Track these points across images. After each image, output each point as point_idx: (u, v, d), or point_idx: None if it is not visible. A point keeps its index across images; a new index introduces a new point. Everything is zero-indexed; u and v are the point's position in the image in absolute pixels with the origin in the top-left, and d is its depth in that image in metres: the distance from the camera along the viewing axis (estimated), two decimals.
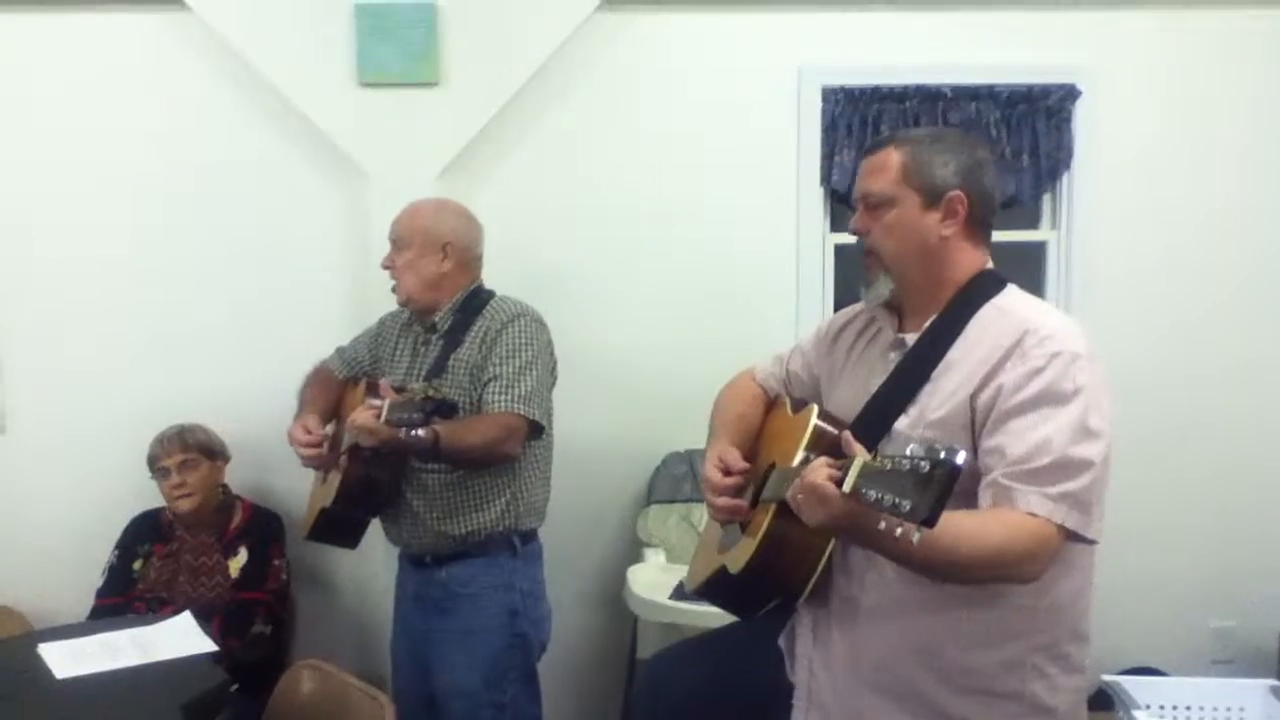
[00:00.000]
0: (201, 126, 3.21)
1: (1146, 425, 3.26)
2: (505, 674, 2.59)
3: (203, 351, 3.25)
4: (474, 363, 2.54)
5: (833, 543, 1.74)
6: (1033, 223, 3.45)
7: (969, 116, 3.26)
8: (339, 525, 2.67)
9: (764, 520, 1.71)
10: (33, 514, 3.26)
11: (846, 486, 1.40)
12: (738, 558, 1.76)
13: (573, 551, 3.31)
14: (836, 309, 3.20)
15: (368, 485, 2.53)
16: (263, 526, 3.06)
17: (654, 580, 2.84)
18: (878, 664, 1.75)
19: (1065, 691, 1.72)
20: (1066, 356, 1.62)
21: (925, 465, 1.31)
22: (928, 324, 1.76)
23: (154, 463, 2.99)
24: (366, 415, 2.30)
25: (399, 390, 2.35)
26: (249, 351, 3.23)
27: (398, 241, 2.62)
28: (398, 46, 3.08)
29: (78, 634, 2.43)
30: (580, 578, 3.37)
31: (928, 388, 1.71)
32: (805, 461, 1.60)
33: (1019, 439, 1.59)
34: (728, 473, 1.88)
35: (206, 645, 2.41)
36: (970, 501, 1.62)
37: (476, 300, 2.64)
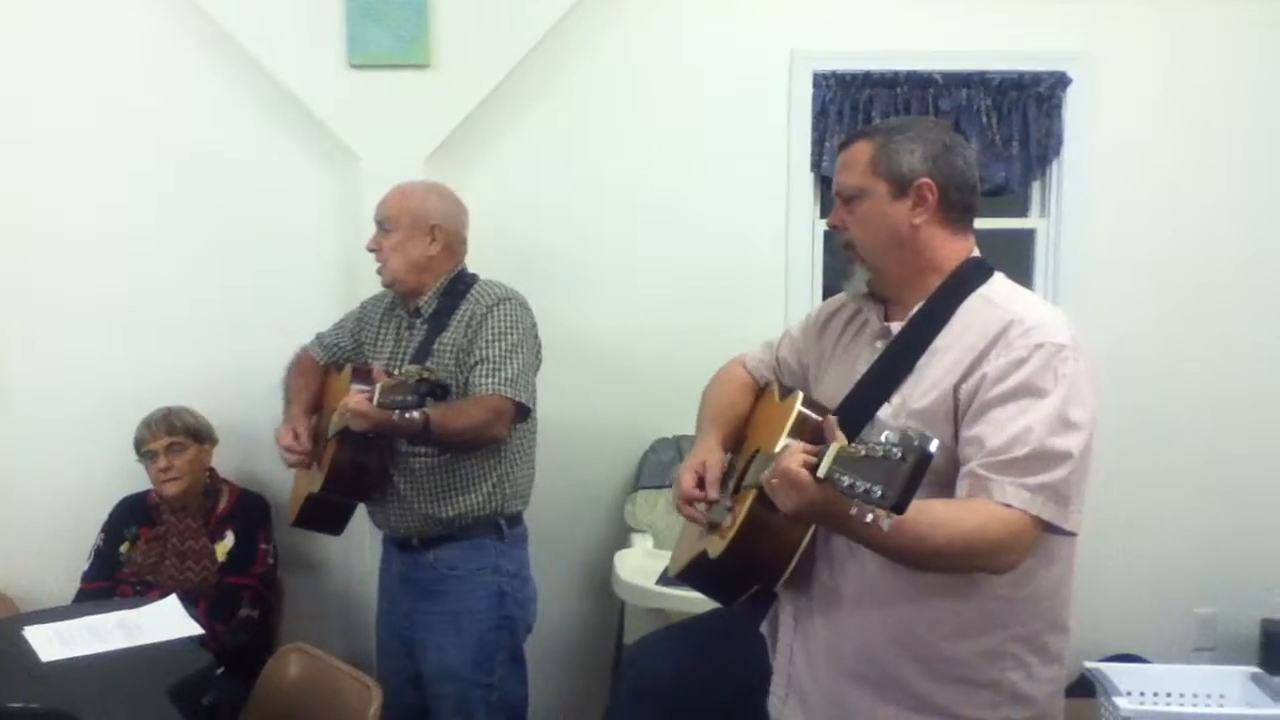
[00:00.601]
0: (192, 108, 3.19)
1: (1132, 413, 3.28)
2: (493, 655, 2.61)
3: (193, 334, 3.23)
4: (459, 346, 2.54)
5: (812, 531, 1.74)
6: (1022, 210, 3.45)
7: (960, 103, 3.26)
8: (326, 511, 2.68)
9: (744, 507, 1.72)
10: (19, 496, 3.25)
11: (821, 472, 1.41)
12: (717, 543, 1.77)
13: (561, 536, 3.31)
14: (826, 294, 3.22)
15: (356, 470, 2.52)
16: (250, 510, 3.05)
17: (641, 565, 2.85)
18: (858, 652, 1.75)
19: (1043, 681, 1.73)
20: (1050, 348, 1.62)
21: (898, 452, 1.32)
22: (913, 313, 1.76)
23: (141, 445, 2.98)
24: (358, 399, 2.30)
25: (390, 374, 2.34)
26: (239, 334, 3.21)
27: (385, 223, 2.62)
28: (388, 28, 3.07)
29: (63, 616, 2.43)
30: (568, 563, 3.38)
31: (911, 377, 1.71)
32: (787, 448, 1.61)
33: (998, 429, 1.59)
34: (701, 485, 1.87)
35: (193, 628, 2.42)
36: (952, 491, 1.62)
37: (460, 284, 2.64)
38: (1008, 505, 1.56)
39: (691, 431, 2.09)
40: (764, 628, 1.94)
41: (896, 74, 3.24)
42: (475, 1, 3.11)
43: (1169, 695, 2.56)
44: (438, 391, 2.26)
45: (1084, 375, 1.63)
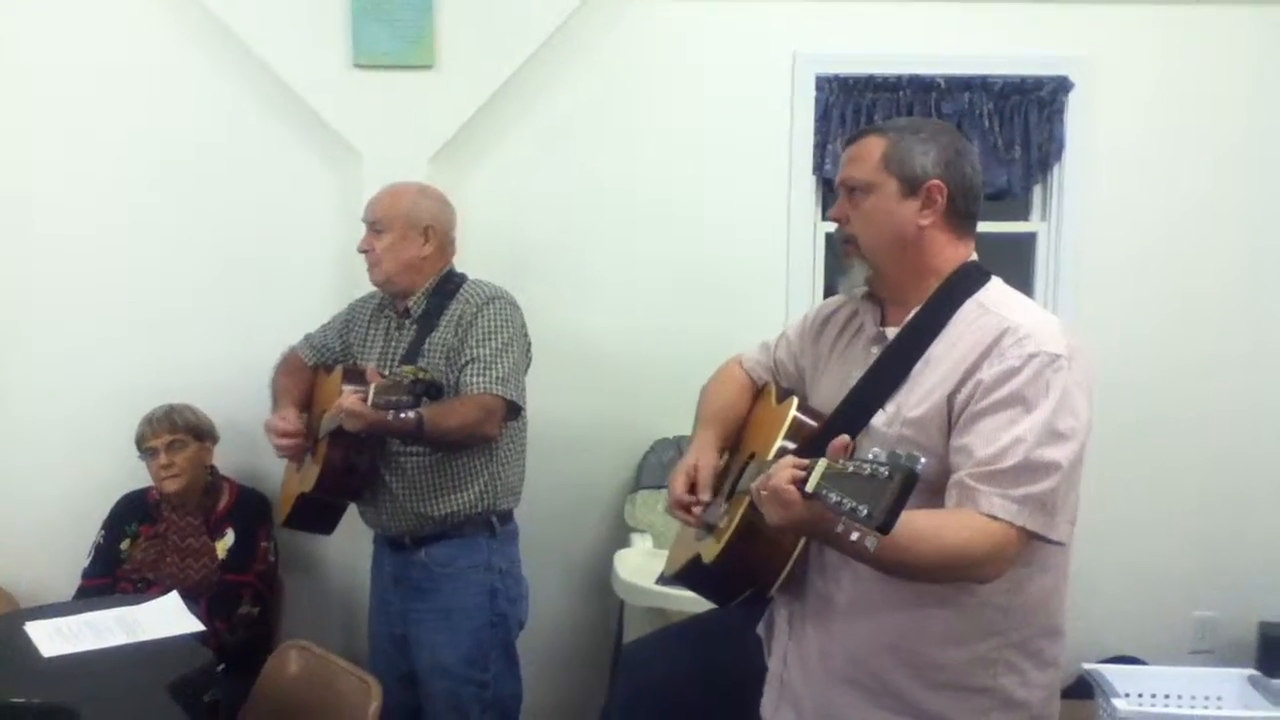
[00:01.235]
0: (196, 106, 3.20)
1: (1131, 416, 3.29)
2: (486, 652, 2.62)
3: (195, 332, 3.24)
4: (450, 346, 2.56)
5: (804, 540, 1.74)
6: (1023, 214, 3.46)
7: (962, 107, 3.27)
8: (317, 511, 2.70)
9: (738, 512, 1.72)
10: (20, 492, 3.26)
11: (809, 488, 1.41)
12: (711, 548, 1.77)
13: (560, 536, 3.32)
14: (826, 297, 3.22)
15: (348, 470, 2.54)
16: (250, 508, 3.06)
17: (641, 565, 2.85)
18: (851, 659, 1.75)
19: (1037, 687, 1.72)
20: (1043, 358, 1.61)
21: (885, 471, 1.32)
22: (909, 318, 1.76)
23: (142, 442, 2.98)
24: (353, 399, 2.31)
25: (384, 375, 2.35)
26: (240, 332, 3.21)
27: (376, 224, 2.63)
28: (393, 29, 3.08)
29: (64, 613, 2.42)
30: (568, 562, 3.38)
31: (906, 384, 1.71)
32: (781, 453, 1.62)
33: (986, 440, 1.59)
34: (693, 489, 1.88)
35: (193, 625, 2.41)
36: (943, 499, 1.62)
37: (450, 284, 2.65)
38: (993, 516, 1.55)
39: (690, 431, 2.10)
40: (760, 629, 1.94)
41: (899, 78, 3.25)
42: (480, 3, 3.12)
43: (1166, 697, 2.56)
44: (432, 391, 2.27)
45: (1077, 384, 1.62)
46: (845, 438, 1.50)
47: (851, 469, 1.36)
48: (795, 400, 1.82)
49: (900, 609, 1.70)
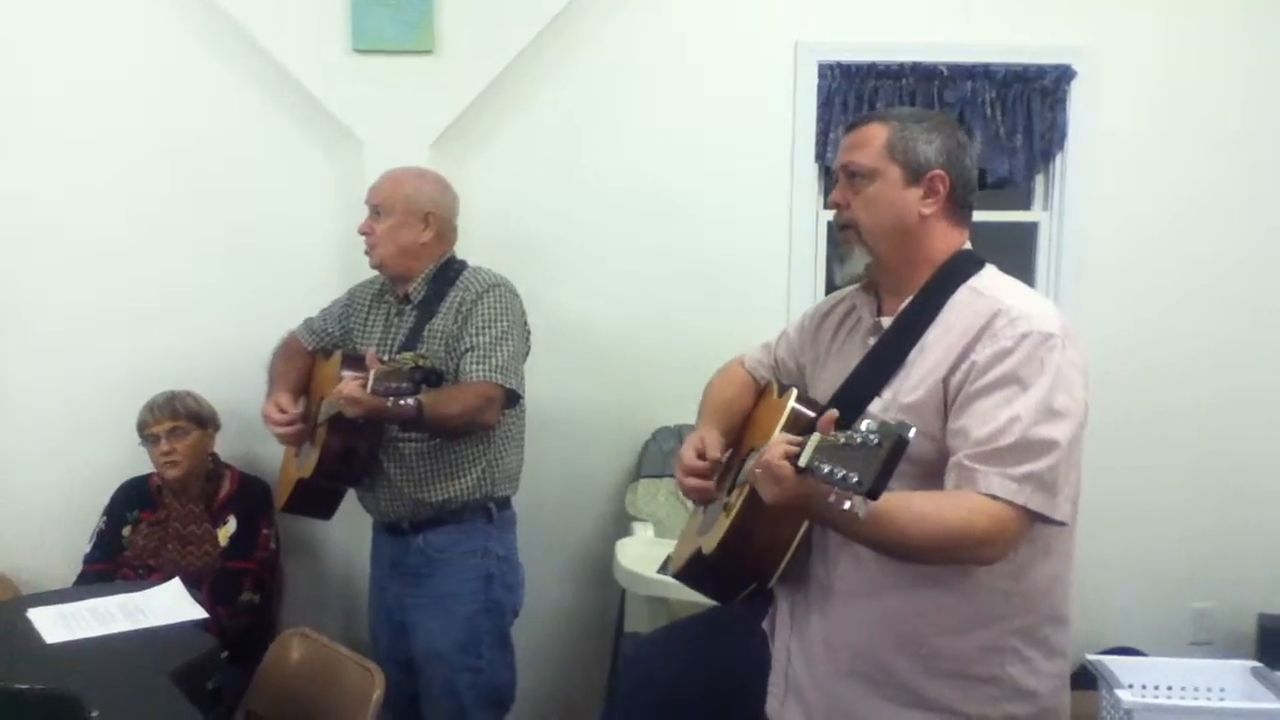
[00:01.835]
0: (195, 93, 3.18)
1: (1131, 406, 3.29)
2: (480, 639, 2.63)
3: (195, 318, 3.22)
4: (449, 333, 2.55)
5: (805, 527, 1.74)
6: (1024, 204, 3.45)
7: (964, 95, 3.26)
8: (316, 496, 2.70)
9: (737, 503, 1.72)
10: (20, 479, 3.24)
11: (802, 462, 1.42)
12: (711, 539, 1.77)
13: (561, 525, 3.32)
14: (828, 286, 3.22)
15: (347, 456, 2.54)
16: (251, 495, 3.05)
17: (642, 554, 2.84)
18: (854, 650, 1.75)
19: (1046, 675, 1.72)
20: (1036, 337, 1.61)
21: (875, 439, 1.33)
22: (903, 306, 1.77)
23: (143, 429, 2.97)
24: (353, 385, 2.30)
25: (384, 361, 2.34)
26: (242, 319, 3.20)
27: (378, 208, 2.63)
28: (393, 14, 3.06)
29: (67, 599, 2.42)
30: (569, 551, 3.38)
31: (902, 371, 1.71)
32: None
33: (983, 420, 1.59)
34: (702, 456, 1.88)
35: (196, 612, 2.42)
36: (942, 483, 1.63)
37: (449, 271, 2.65)
38: (993, 496, 1.55)
39: (692, 420, 2.09)
40: (765, 624, 1.93)
41: (901, 66, 3.24)
42: None
43: (1169, 689, 2.55)
44: (432, 378, 2.26)
45: (1072, 363, 1.63)
46: (834, 412, 1.52)
47: (843, 440, 1.37)
48: (794, 392, 1.83)
49: (902, 596, 1.70)
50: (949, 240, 1.78)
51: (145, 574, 2.87)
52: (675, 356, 3.20)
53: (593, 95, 3.27)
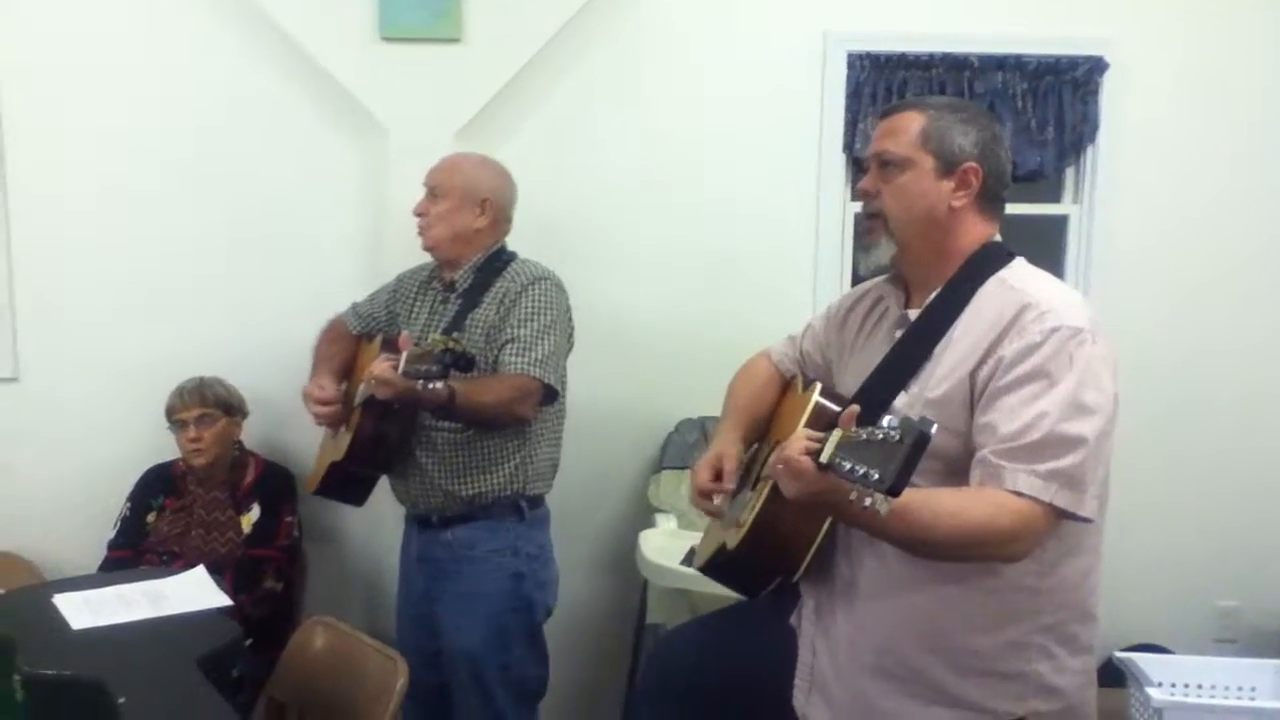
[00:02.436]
0: (222, 81, 3.17)
1: (1160, 401, 3.26)
2: (510, 637, 2.61)
3: (220, 306, 3.22)
4: (491, 323, 2.53)
5: (829, 523, 1.73)
6: (1055, 196, 3.41)
7: (995, 86, 3.22)
8: (348, 481, 2.68)
9: (760, 498, 1.71)
10: (44, 464, 3.25)
11: (823, 458, 1.41)
12: (735, 534, 1.77)
13: (584, 516, 3.31)
14: (854, 278, 3.20)
15: (379, 441, 2.52)
16: (275, 483, 3.05)
17: (664, 546, 2.83)
18: (879, 647, 1.74)
19: (1072, 672, 1.71)
20: (1065, 332, 1.60)
21: (896, 435, 1.32)
22: (930, 298, 1.75)
23: (172, 414, 2.98)
24: (384, 367, 2.28)
25: (417, 343, 2.31)
26: (266, 306, 3.20)
27: (435, 190, 2.61)
28: (420, 2, 3.04)
29: (92, 585, 2.43)
30: (591, 542, 3.37)
31: (928, 365, 1.70)
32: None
33: (1010, 415, 1.57)
34: (719, 475, 1.87)
35: (220, 599, 2.41)
36: (966, 480, 1.61)
37: (498, 261, 2.63)
38: (1019, 493, 1.54)
39: (716, 412, 2.09)
40: (793, 620, 1.92)
41: (931, 56, 3.21)
42: None
43: (1199, 687, 2.53)
44: (462, 363, 2.21)
45: (1101, 359, 1.61)
46: (855, 407, 1.50)
47: (865, 436, 1.36)
48: (818, 386, 1.82)
49: (927, 593, 1.69)
50: (979, 232, 1.76)
51: (169, 560, 2.87)
52: (698, 348, 3.19)
53: (619, 84, 3.24)
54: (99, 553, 2.98)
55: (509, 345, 2.48)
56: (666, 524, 3.08)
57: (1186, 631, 3.42)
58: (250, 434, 3.13)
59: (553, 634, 2.78)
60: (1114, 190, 3.32)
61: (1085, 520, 1.60)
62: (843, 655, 1.79)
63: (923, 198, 1.73)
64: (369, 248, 3.14)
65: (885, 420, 1.35)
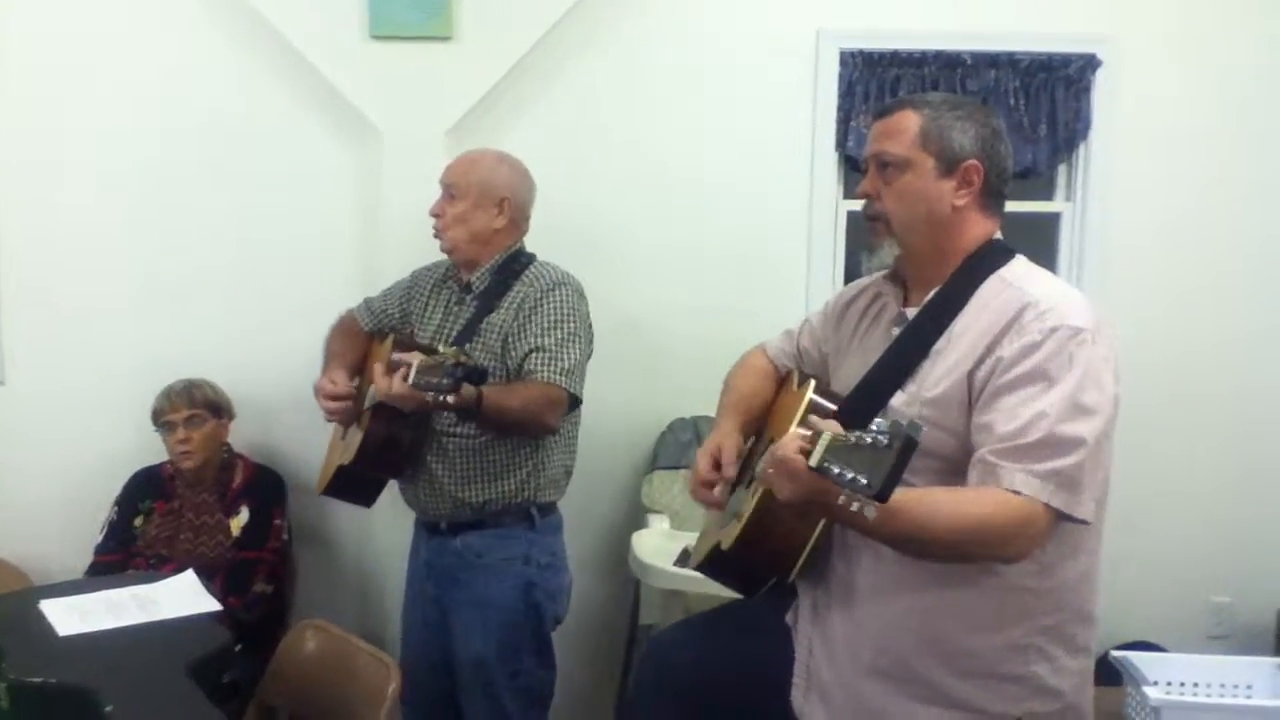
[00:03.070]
0: (211, 78, 3.15)
1: (1154, 398, 3.24)
2: (519, 646, 2.57)
3: (207, 306, 3.20)
4: (507, 328, 2.48)
5: (823, 523, 1.71)
6: (1047, 194, 3.41)
7: (988, 84, 3.21)
8: (356, 483, 2.62)
9: (754, 497, 1.70)
10: (31, 467, 3.22)
11: (812, 462, 1.39)
12: (730, 534, 1.76)
13: (576, 516, 3.25)
14: (848, 276, 3.19)
15: (389, 444, 2.47)
16: (264, 485, 3.04)
17: (658, 546, 2.82)
18: (877, 647, 1.73)
19: (1070, 672, 1.70)
20: (1065, 332, 1.58)
21: (885, 439, 1.31)
22: (929, 297, 1.74)
23: (159, 416, 2.96)
24: (395, 379, 2.20)
25: (428, 351, 2.26)
26: (254, 307, 3.18)
27: (451, 189, 2.55)
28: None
29: (79, 590, 2.40)
30: (583, 543, 3.33)
31: (926, 363, 1.68)
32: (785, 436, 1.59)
33: (1008, 415, 1.56)
34: (718, 465, 1.85)
35: (210, 604, 2.39)
36: (965, 479, 1.60)
37: (516, 263, 2.57)
38: (1016, 492, 1.53)
39: (709, 412, 2.08)
40: (789, 618, 1.91)
41: (924, 53, 3.20)
42: None
43: (1195, 685, 2.52)
44: (474, 376, 2.16)
45: (1102, 359, 1.60)
46: (834, 415, 1.50)
47: (854, 439, 1.35)
48: (813, 383, 1.81)
49: (925, 593, 1.68)
50: (980, 230, 1.75)
51: (158, 564, 2.86)
52: (691, 347, 3.17)
53: (612, 82, 3.23)
54: (86, 557, 2.96)
55: (535, 354, 2.42)
56: (660, 524, 3.06)
57: (1180, 627, 3.42)
58: (240, 437, 3.11)
59: None
60: (1107, 188, 3.31)
61: (1081, 522, 1.59)
62: (840, 655, 1.78)
63: (924, 198, 1.72)
64: (360, 247, 3.12)
65: (874, 424, 1.34)
